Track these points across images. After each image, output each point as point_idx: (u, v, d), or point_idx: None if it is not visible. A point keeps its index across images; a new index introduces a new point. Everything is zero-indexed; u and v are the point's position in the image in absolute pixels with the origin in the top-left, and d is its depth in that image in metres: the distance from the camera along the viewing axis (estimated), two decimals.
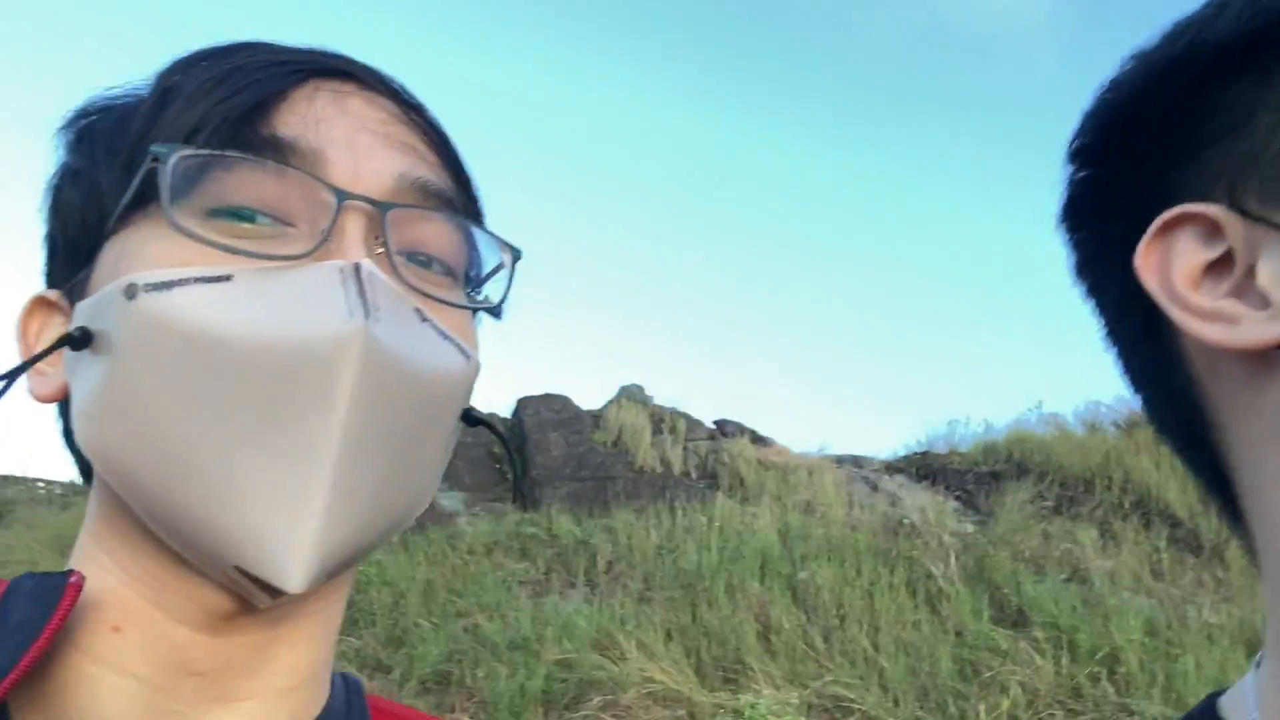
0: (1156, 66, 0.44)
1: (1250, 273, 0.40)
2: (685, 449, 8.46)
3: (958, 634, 6.13)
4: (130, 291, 0.38)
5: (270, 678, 0.42)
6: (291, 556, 0.36)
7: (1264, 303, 0.39)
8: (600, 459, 8.01)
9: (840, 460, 9.01)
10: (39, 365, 0.43)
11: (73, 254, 0.44)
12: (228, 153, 0.40)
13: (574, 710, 5.31)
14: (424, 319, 0.42)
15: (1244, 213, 0.40)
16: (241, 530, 0.36)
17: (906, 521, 7.46)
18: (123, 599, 0.40)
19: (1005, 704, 5.45)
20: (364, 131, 0.43)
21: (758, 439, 9.08)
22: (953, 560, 6.85)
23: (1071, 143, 0.48)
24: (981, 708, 5.41)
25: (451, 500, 7.80)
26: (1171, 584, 6.72)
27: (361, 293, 0.38)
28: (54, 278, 0.46)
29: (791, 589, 6.62)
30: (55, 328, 0.44)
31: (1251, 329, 0.39)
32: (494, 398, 8.56)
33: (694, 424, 9.10)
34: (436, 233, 0.44)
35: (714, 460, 8.39)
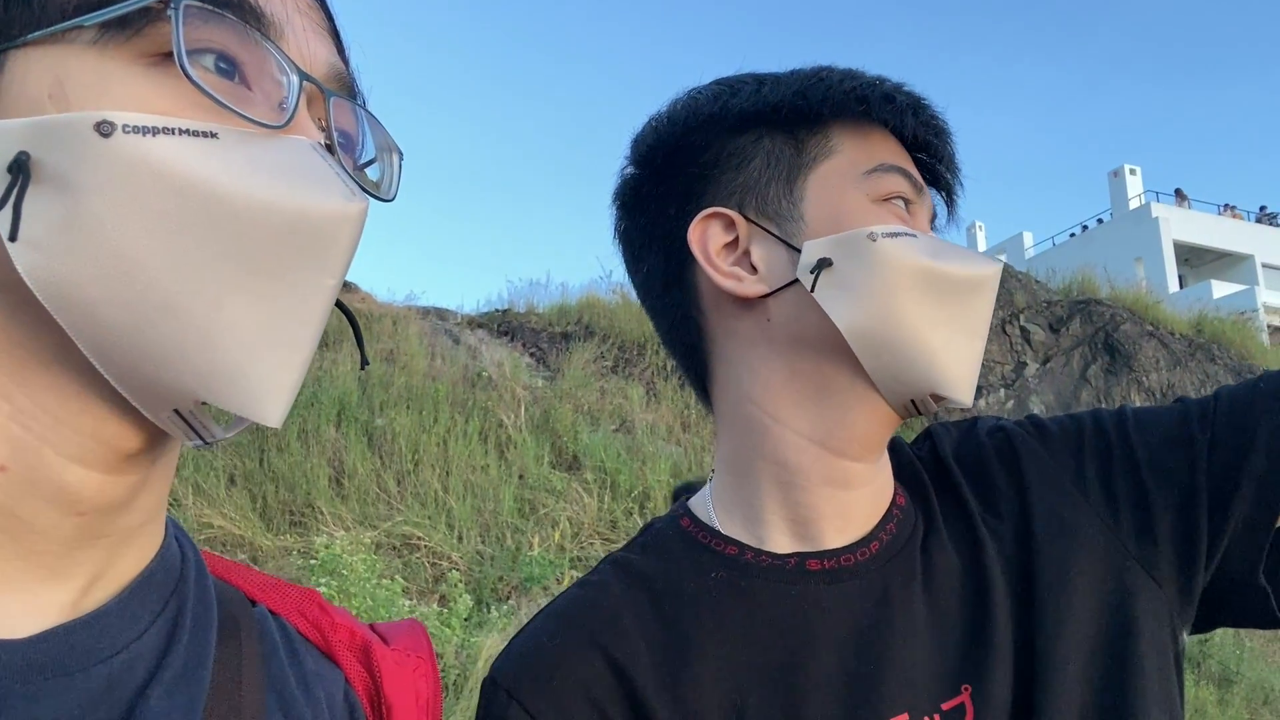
0: (700, 114, 0.70)
1: (747, 253, 0.68)
2: None
3: (520, 476, 6.75)
4: (105, 129, 0.37)
5: (130, 515, 0.43)
6: (275, 397, 0.40)
7: (754, 271, 0.68)
8: None
9: (425, 312, 9.11)
10: None
11: None
12: (226, 13, 0.40)
13: None
14: None
15: (745, 217, 0.68)
16: (222, 370, 0.38)
17: (484, 374, 7.87)
18: (11, 437, 0.39)
19: (555, 535, 6.19)
20: (298, 12, 0.45)
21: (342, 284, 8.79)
22: (522, 411, 7.43)
23: (633, 147, 0.72)
24: (535, 539, 6.09)
25: None
26: (696, 434, 8.02)
27: (344, 173, 0.42)
28: None
29: (368, 435, 6.70)
30: None
31: (748, 286, 0.68)
32: None
33: None
34: (349, 121, 0.47)
35: None
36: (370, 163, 0.49)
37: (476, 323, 9.31)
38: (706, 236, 0.68)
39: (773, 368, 0.68)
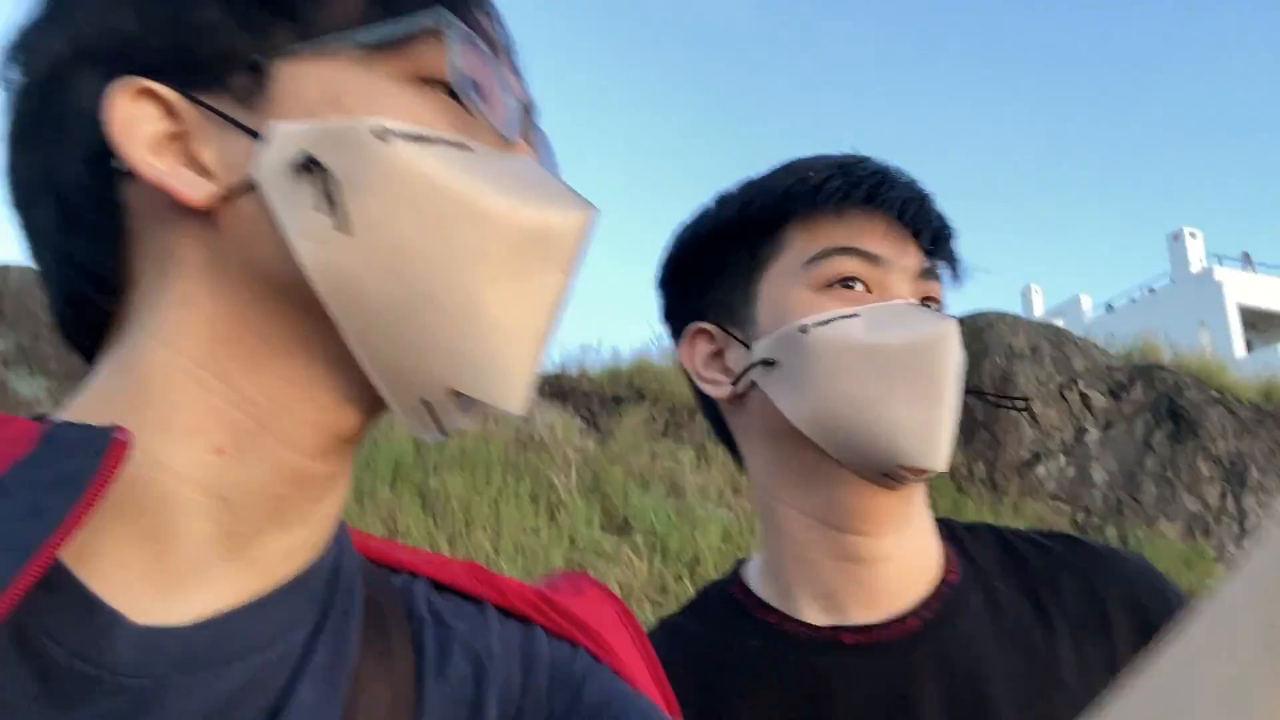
0: (684, 237, 0.76)
1: (723, 358, 0.73)
2: None
3: (571, 539, 6.74)
4: (383, 135, 0.40)
5: (327, 505, 0.45)
6: (519, 385, 0.43)
7: (730, 374, 0.72)
8: None
9: None
10: (156, 161, 0.40)
11: (212, 59, 0.41)
12: (479, 43, 0.44)
13: None
14: None
15: (720, 327, 0.73)
16: (478, 358, 0.42)
17: (536, 437, 7.95)
18: (231, 421, 0.41)
19: None
20: (493, 41, 0.48)
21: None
22: (573, 473, 7.47)
23: (660, 268, 0.80)
24: None
25: (33, 386, 6.79)
26: (747, 498, 7.94)
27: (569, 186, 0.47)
28: (143, 66, 0.41)
29: (422, 496, 6.78)
30: (151, 122, 0.40)
31: (725, 390, 0.73)
32: None
33: None
34: (540, 142, 0.51)
35: None
36: None
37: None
38: (694, 351, 0.75)
39: (764, 455, 0.72)
